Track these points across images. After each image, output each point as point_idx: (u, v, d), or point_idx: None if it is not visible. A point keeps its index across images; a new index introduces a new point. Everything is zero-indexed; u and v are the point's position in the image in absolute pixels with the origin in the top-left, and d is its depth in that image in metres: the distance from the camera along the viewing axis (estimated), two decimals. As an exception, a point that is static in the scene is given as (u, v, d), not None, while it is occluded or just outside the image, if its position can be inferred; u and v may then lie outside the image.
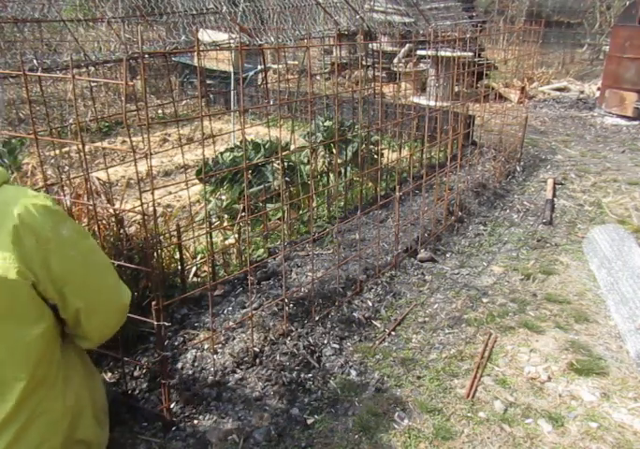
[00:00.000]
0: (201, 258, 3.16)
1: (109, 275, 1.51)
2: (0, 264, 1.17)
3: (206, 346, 2.45)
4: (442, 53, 5.17)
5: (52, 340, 1.37)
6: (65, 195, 2.35)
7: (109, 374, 2.33)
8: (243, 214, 3.39)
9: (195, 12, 5.26)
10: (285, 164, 3.95)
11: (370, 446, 2.07)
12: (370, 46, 7.14)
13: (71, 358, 1.50)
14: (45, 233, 1.25)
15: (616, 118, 7.75)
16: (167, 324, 2.02)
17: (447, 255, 3.68)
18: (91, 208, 2.15)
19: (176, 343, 2.51)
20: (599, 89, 8.72)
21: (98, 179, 2.56)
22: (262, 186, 3.67)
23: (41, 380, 1.34)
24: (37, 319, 1.29)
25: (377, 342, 2.68)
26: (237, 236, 3.15)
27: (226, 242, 3.41)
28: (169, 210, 4.12)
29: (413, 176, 3.93)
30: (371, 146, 4.48)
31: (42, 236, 1.25)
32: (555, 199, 4.78)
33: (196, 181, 3.74)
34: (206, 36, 5.22)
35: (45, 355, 1.34)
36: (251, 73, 7.58)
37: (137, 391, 2.24)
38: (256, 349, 2.46)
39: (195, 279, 3.08)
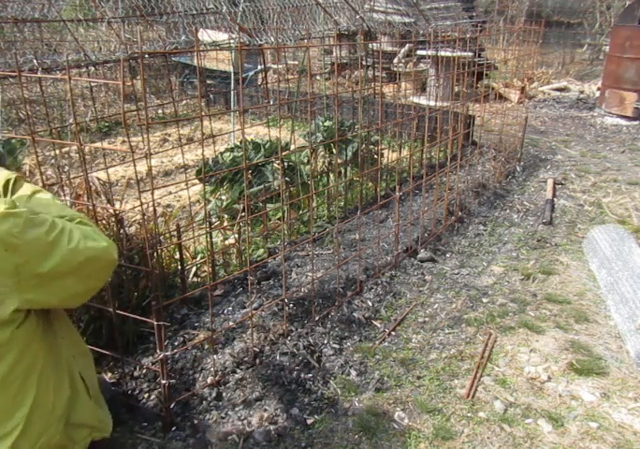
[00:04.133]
0: (201, 258, 3.16)
1: (89, 238, 1.46)
2: None
3: (206, 346, 2.45)
4: (442, 53, 5.17)
5: (28, 337, 1.37)
6: (65, 195, 2.35)
7: (109, 374, 2.33)
8: (243, 214, 3.39)
9: (195, 12, 5.25)
10: (285, 164, 3.95)
11: (370, 446, 2.07)
12: (370, 46, 7.14)
13: (57, 346, 1.51)
14: (12, 240, 1.23)
15: (616, 118, 7.75)
16: (167, 324, 2.02)
17: (447, 255, 3.68)
18: (91, 208, 2.14)
19: (176, 343, 2.51)
20: (599, 89, 8.72)
21: (98, 179, 2.56)
22: (262, 186, 3.67)
23: (26, 375, 1.35)
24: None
25: (377, 342, 2.68)
26: (237, 236, 3.15)
27: (226, 242, 3.41)
28: (169, 210, 4.12)
29: (413, 176, 3.93)
30: (371, 146, 4.48)
31: (9, 243, 1.23)
32: (555, 199, 4.78)
33: (196, 181, 3.74)
34: (206, 35, 5.22)
35: (23, 353, 1.35)
36: (251, 73, 7.57)
37: (137, 391, 2.24)
38: (256, 349, 2.46)
39: (195, 279, 3.08)
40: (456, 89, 5.66)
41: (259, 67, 7.56)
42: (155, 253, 2.57)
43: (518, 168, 5.55)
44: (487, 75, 8.61)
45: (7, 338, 1.28)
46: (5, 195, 1.48)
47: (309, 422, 2.16)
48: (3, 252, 1.22)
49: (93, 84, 6.74)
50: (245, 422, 2.12)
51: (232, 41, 4.88)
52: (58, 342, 1.50)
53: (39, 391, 1.38)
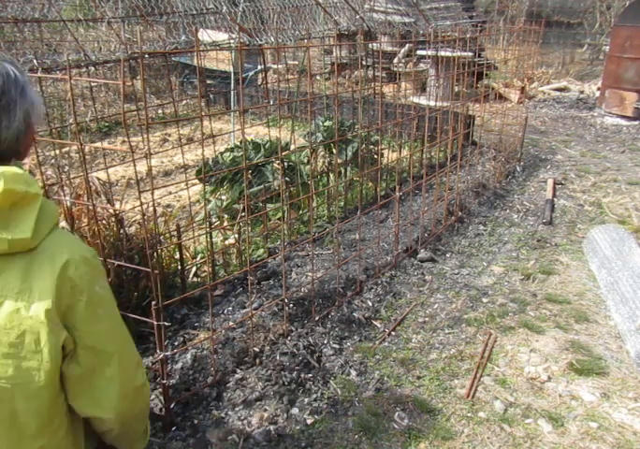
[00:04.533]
0: (201, 258, 3.16)
1: (130, 349, 1.36)
2: (36, 306, 1.10)
3: (206, 346, 2.45)
4: (442, 53, 5.17)
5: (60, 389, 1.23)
6: (65, 195, 2.35)
7: (109, 374, 2.33)
8: (243, 214, 3.39)
9: (195, 12, 5.25)
10: (285, 164, 3.95)
11: (370, 446, 2.07)
12: (370, 46, 7.14)
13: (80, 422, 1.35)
14: (81, 284, 1.17)
15: (616, 118, 7.75)
16: (167, 324, 2.02)
17: (447, 255, 3.68)
18: (91, 208, 2.14)
19: (176, 343, 2.51)
20: (599, 89, 8.72)
21: (98, 179, 2.56)
22: (262, 186, 3.67)
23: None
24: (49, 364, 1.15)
25: (377, 342, 2.68)
26: (237, 236, 3.15)
27: (226, 242, 3.41)
28: (169, 210, 4.12)
29: (413, 176, 3.93)
30: (371, 146, 4.48)
31: (78, 285, 1.16)
32: (555, 199, 4.78)
33: (196, 181, 3.74)
34: (206, 35, 5.22)
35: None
36: (251, 73, 7.57)
37: (137, 391, 2.23)
38: (256, 349, 2.46)
39: (195, 279, 3.08)
40: (456, 89, 5.66)
41: (259, 67, 7.56)
42: (155, 253, 2.58)
43: (518, 168, 5.55)
44: (487, 75, 8.60)
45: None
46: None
47: (309, 422, 2.16)
48: (70, 288, 1.18)
49: (93, 84, 6.74)
50: (245, 422, 2.12)
51: (232, 41, 4.88)
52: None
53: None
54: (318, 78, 8.83)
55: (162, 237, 2.84)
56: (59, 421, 1.21)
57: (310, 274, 2.95)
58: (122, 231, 2.51)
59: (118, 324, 1.31)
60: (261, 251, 3.41)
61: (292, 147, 4.20)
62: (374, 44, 6.87)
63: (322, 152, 4.40)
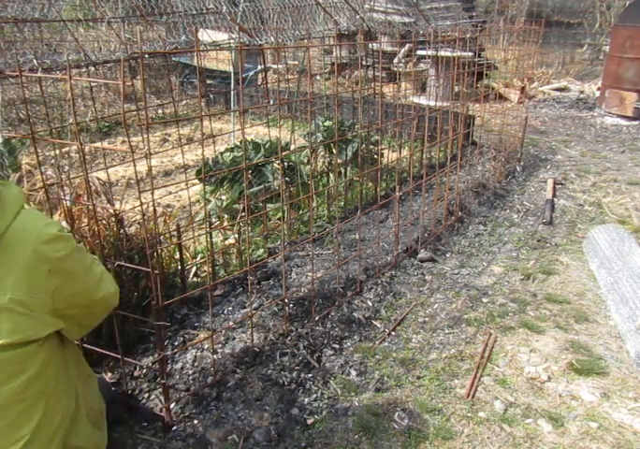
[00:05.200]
0: (201, 258, 3.16)
1: (105, 281, 1.51)
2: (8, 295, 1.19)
3: (206, 346, 2.45)
4: (442, 53, 5.17)
5: (47, 356, 1.37)
6: (65, 195, 2.35)
7: (109, 374, 2.33)
8: (243, 214, 3.39)
9: (195, 12, 5.25)
10: (285, 164, 3.95)
11: (370, 446, 2.07)
12: (370, 46, 7.14)
13: (67, 367, 1.50)
14: (58, 263, 1.27)
15: (616, 118, 7.75)
16: (167, 324, 2.02)
17: (447, 255, 3.68)
18: (91, 208, 2.14)
19: (176, 343, 2.51)
20: (599, 89, 8.72)
21: (98, 179, 2.56)
22: (262, 186, 3.67)
23: (39, 393, 1.34)
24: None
25: (377, 342, 2.68)
26: (237, 236, 3.15)
27: (226, 242, 3.41)
28: (169, 210, 4.12)
29: (413, 176, 3.93)
30: (371, 146, 4.48)
31: (55, 265, 1.26)
32: (555, 199, 4.78)
33: (196, 181, 3.74)
34: (206, 36, 5.22)
35: (41, 371, 1.34)
36: (251, 73, 7.58)
37: (137, 391, 2.24)
38: (256, 349, 2.46)
39: (195, 279, 3.08)
40: (456, 89, 5.66)
41: (259, 67, 7.56)
42: (155, 253, 2.57)
43: (518, 168, 5.55)
44: (487, 75, 8.60)
45: (32, 352, 1.28)
46: None
47: (309, 422, 2.16)
48: (47, 272, 1.24)
49: (93, 84, 6.74)
50: (245, 422, 2.12)
51: (232, 41, 4.87)
52: (68, 363, 1.50)
53: (46, 412, 1.35)
54: (318, 78, 8.83)
55: (162, 237, 2.84)
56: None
57: (310, 274, 2.95)
58: (122, 231, 2.51)
59: (91, 271, 1.43)
60: (261, 251, 3.41)
61: (292, 147, 4.20)
62: (374, 44, 6.87)
63: (322, 152, 4.40)
